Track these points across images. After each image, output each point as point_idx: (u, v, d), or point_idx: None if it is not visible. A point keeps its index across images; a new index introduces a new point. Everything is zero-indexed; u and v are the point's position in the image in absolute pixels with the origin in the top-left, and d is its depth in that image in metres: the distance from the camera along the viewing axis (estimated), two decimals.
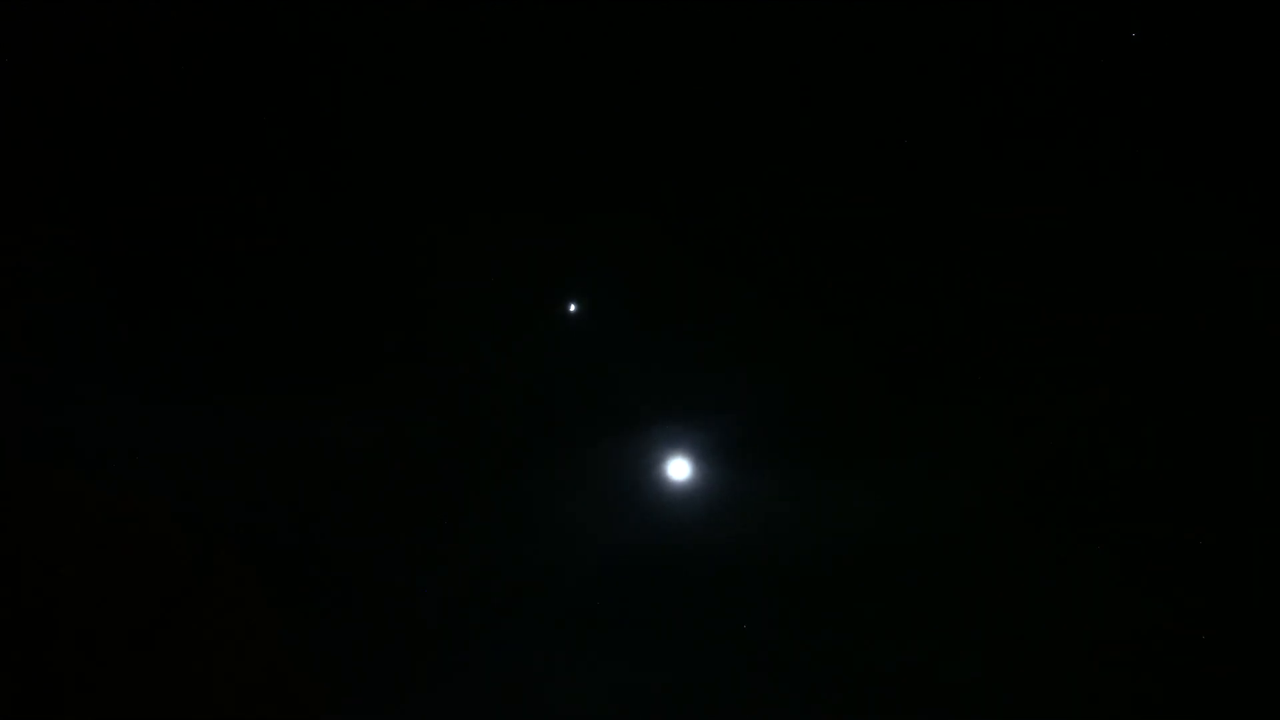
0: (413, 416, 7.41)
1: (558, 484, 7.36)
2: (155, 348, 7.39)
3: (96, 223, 7.38)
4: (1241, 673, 6.78)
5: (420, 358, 7.48)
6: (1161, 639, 6.86)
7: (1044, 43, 7.02)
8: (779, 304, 7.37)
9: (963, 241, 7.22)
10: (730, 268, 7.37)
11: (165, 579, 7.29)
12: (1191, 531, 6.95)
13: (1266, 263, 6.84)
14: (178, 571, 7.31)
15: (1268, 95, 6.89)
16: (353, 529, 7.41)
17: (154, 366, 7.38)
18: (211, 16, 7.25)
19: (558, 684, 7.23)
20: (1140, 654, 6.88)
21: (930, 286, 7.27)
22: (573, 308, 7.30)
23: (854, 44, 7.21)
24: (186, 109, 7.39)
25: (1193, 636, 6.84)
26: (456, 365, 7.47)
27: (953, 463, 7.21)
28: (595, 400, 7.40)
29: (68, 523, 7.31)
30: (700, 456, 7.31)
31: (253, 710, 7.04)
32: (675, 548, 7.30)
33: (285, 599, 7.32)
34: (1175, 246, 6.98)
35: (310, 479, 7.36)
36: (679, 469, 7.33)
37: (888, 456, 7.30)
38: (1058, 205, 7.12)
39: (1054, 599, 7.07)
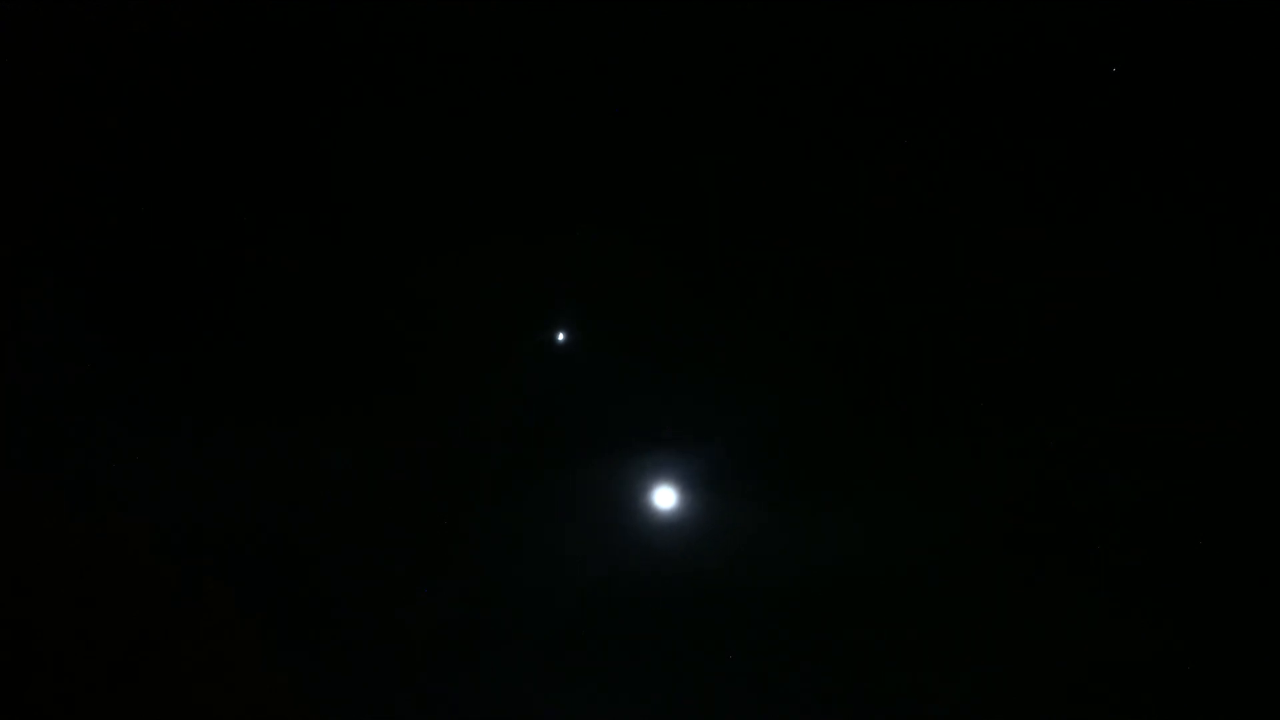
0: (398, 443, 7.40)
1: (544, 512, 7.36)
2: (141, 371, 7.38)
3: (85, 247, 7.38)
4: (1226, 703, 6.78)
5: (406, 385, 7.47)
6: (1147, 670, 6.87)
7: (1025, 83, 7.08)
8: (767, 334, 7.38)
9: (950, 273, 7.24)
10: (718, 298, 7.38)
11: (147, 605, 7.26)
12: (1177, 561, 6.96)
13: (1250, 294, 6.89)
14: (160, 597, 7.28)
15: (1252, 127, 6.94)
16: (337, 556, 7.39)
17: (140, 390, 7.37)
18: (193, 58, 7.27)
19: (544, 711, 7.19)
20: (1125, 685, 6.89)
21: (919, 315, 7.29)
22: (561, 336, 7.31)
23: (846, 68, 7.25)
24: (167, 141, 7.39)
25: (1179, 667, 6.85)
26: (442, 393, 7.47)
27: (941, 491, 7.22)
28: (581, 428, 7.40)
29: (47, 546, 7.28)
30: (687, 485, 7.31)
31: None
32: (662, 575, 7.29)
33: (270, 625, 7.30)
34: (1155, 277, 7.02)
35: (294, 505, 7.35)
36: (665, 497, 7.33)
37: (875, 485, 7.30)
38: (1042, 240, 7.15)
39: (1040, 629, 7.05)
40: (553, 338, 7.31)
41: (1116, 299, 7.09)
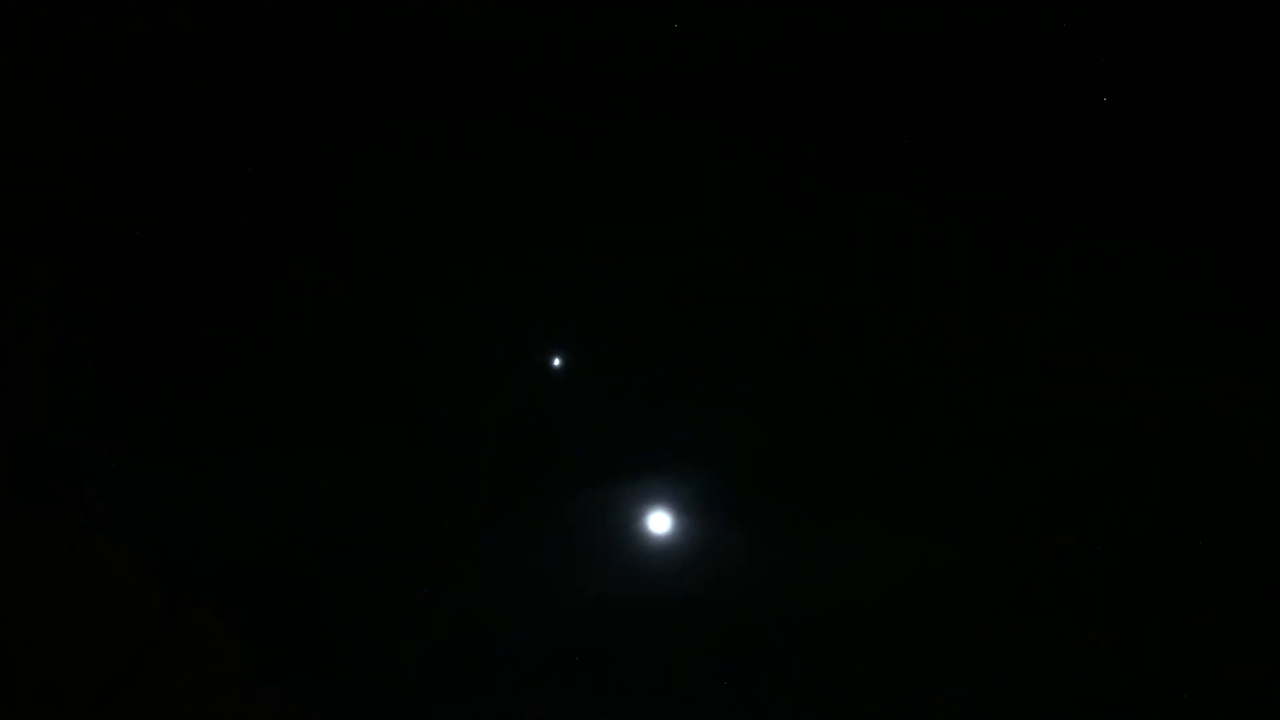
0: (395, 471, 7.40)
1: (540, 537, 7.37)
2: (143, 396, 7.38)
3: (84, 281, 7.37)
4: None
5: (403, 413, 7.48)
6: (1138, 698, 6.92)
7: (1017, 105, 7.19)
8: (761, 363, 7.44)
9: (942, 302, 7.33)
10: (713, 326, 7.45)
11: (136, 631, 7.20)
12: (1166, 587, 7.03)
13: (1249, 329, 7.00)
14: (149, 623, 7.22)
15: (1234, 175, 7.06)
16: (333, 582, 7.36)
17: (144, 415, 7.37)
18: (184, 93, 7.31)
19: None
20: (1116, 712, 6.93)
21: (913, 346, 7.36)
22: (556, 362, 7.34)
23: (840, 92, 7.32)
24: (171, 174, 7.42)
25: (1173, 695, 6.90)
26: (439, 420, 7.48)
27: (931, 519, 7.27)
28: (577, 453, 7.43)
29: (39, 572, 7.22)
30: (681, 510, 7.34)
31: None
32: (656, 601, 7.30)
33: (266, 649, 7.26)
34: (1145, 316, 7.13)
35: (291, 532, 7.33)
36: (660, 522, 7.36)
37: (866, 512, 7.35)
38: (1035, 273, 7.26)
39: (1029, 655, 7.10)
40: (549, 363, 7.35)
41: (1109, 333, 7.20)
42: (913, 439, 7.38)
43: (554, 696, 7.20)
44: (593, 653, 7.32)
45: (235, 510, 7.29)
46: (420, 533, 7.39)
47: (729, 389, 7.41)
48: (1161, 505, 7.09)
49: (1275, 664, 6.81)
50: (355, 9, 7.24)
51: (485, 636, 7.41)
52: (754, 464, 7.41)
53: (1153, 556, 7.08)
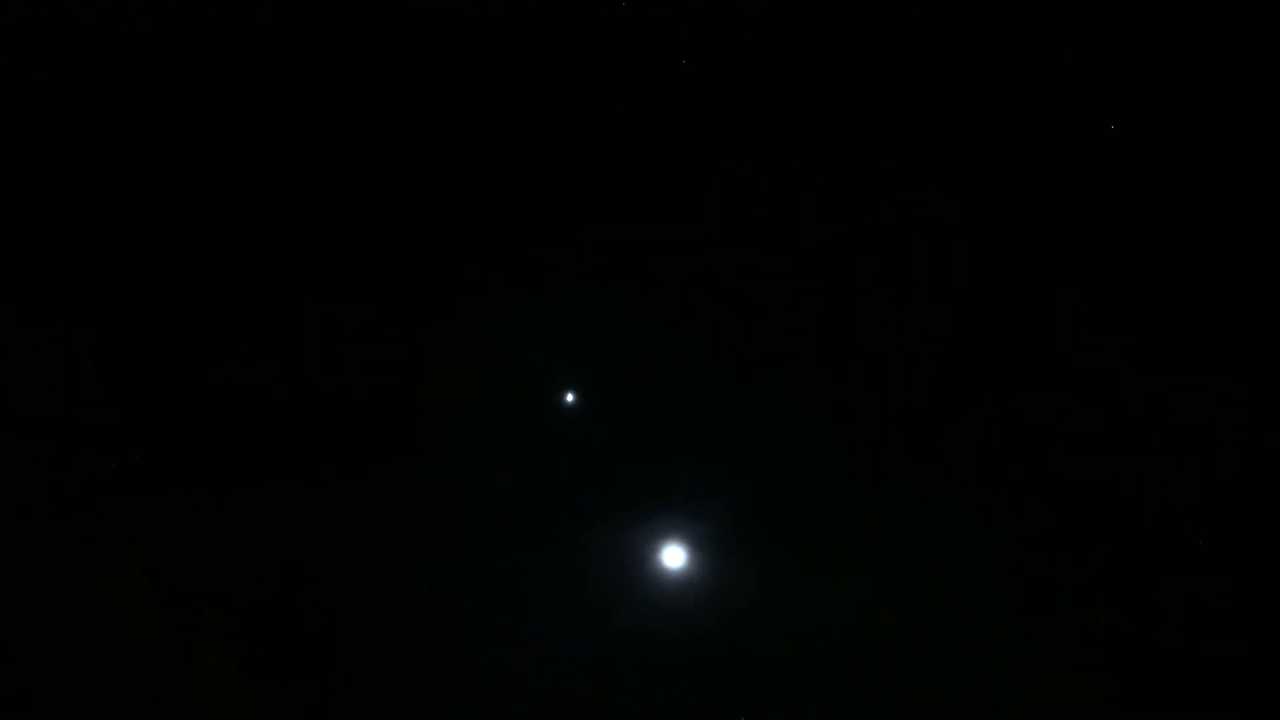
0: (405, 507, 7.35)
1: (552, 574, 7.34)
2: (149, 434, 7.31)
3: (91, 311, 7.29)
4: None
5: (413, 449, 7.43)
6: None
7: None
8: (774, 399, 7.43)
9: (947, 337, 7.33)
10: (726, 362, 7.43)
11: (142, 663, 7.17)
12: (1172, 621, 7.06)
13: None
14: (155, 656, 7.19)
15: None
16: (345, 620, 7.32)
17: (149, 452, 7.31)
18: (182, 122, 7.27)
19: None
20: None
21: (923, 380, 7.36)
22: (570, 398, 7.31)
23: (843, 127, 7.33)
24: (173, 206, 7.36)
25: None
26: (449, 457, 7.44)
27: (946, 553, 7.28)
28: (589, 490, 7.40)
29: (43, 598, 7.19)
30: (695, 545, 7.33)
31: None
32: (671, 636, 7.29)
33: (273, 691, 7.21)
34: (1157, 351, 7.15)
35: (301, 570, 7.28)
36: (674, 557, 7.33)
37: (880, 547, 7.35)
38: (1037, 307, 7.26)
39: (1038, 691, 7.13)
40: (562, 401, 7.32)
41: (1121, 365, 7.21)
42: (925, 475, 7.38)
43: None
44: (608, 688, 7.30)
45: (243, 546, 7.24)
46: (430, 570, 7.35)
47: (744, 425, 7.39)
48: (1173, 539, 7.13)
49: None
50: (364, 42, 7.19)
51: (500, 675, 7.37)
52: (768, 498, 7.40)
53: (1165, 590, 7.11)
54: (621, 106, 7.26)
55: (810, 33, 7.09)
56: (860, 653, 7.23)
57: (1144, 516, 7.18)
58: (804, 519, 7.44)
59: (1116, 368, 7.18)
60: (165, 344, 7.36)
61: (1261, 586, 6.96)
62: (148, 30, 7.19)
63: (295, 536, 7.24)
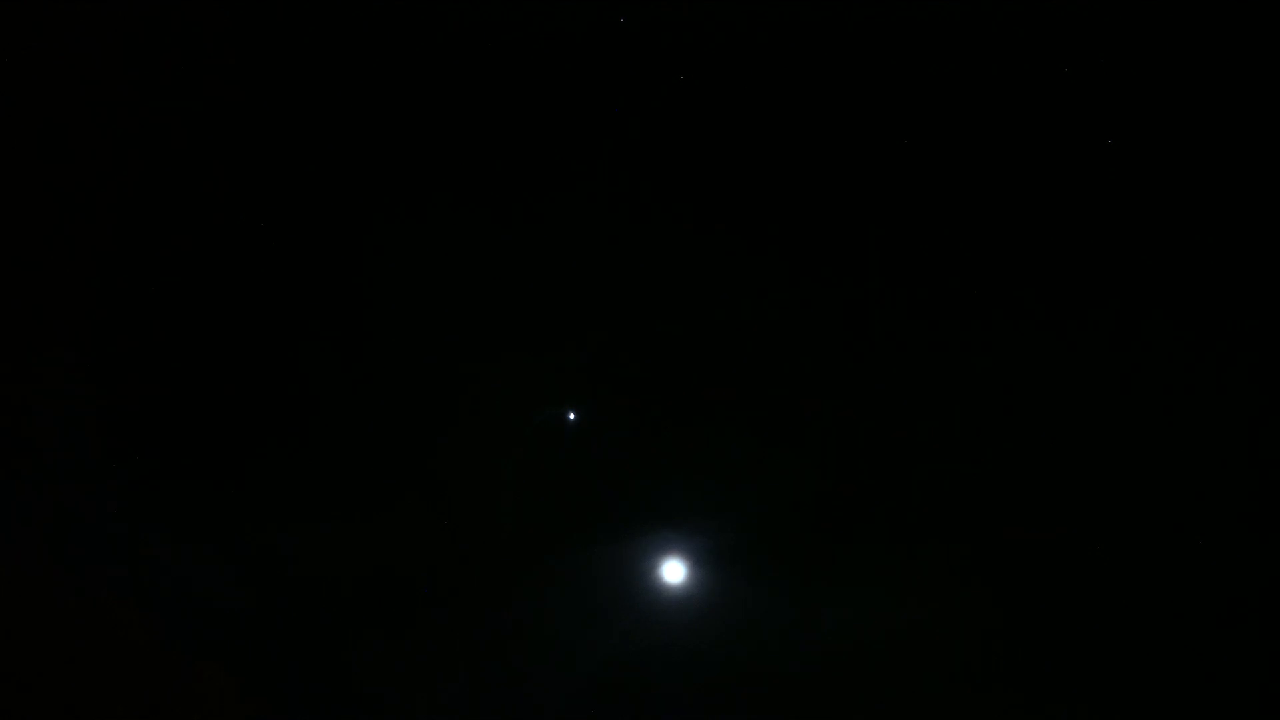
0: (406, 529, 7.36)
1: (553, 589, 7.35)
2: (158, 468, 7.33)
3: (103, 343, 7.33)
4: None
5: (417, 467, 7.45)
6: None
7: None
8: (774, 416, 7.43)
9: (947, 367, 7.35)
10: (726, 380, 7.42)
11: (146, 693, 7.18)
12: (1168, 656, 7.08)
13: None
14: (160, 686, 7.20)
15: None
16: (348, 637, 7.34)
17: (158, 486, 7.33)
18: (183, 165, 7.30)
19: None
20: None
21: (927, 399, 7.38)
22: (571, 416, 7.31)
23: (846, 151, 7.32)
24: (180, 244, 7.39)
25: None
26: (452, 474, 7.45)
27: (945, 571, 7.30)
28: (591, 507, 7.41)
29: (43, 629, 7.20)
30: (698, 563, 7.33)
31: None
32: (672, 651, 7.32)
33: (273, 711, 7.22)
34: (1150, 388, 7.14)
35: (302, 595, 7.29)
36: (674, 572, 7.33)
37: (880, 564, 7.37)
38: (1034, 345, 7.27)
39: (1030, 710, 7.16)
40: (564, 416, 7.32)
41: (1112, 406, 7.20)
42: (923, 499, 7.40)
43: None
44: (607, 708, 7.29)
45: (247, 573, 7.28)
46: (435, 592, 7.36)
47: (746, 443, 7.40)
48: (1163, 573, 7.15)
49: None
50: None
51: (499, 687, 7.38)
52: (771, 516, 7.39)
53: (1154, 623, 7.12)
54: (622, 108, 7.24)
55: (804, 48, 7.10)
56: (860, 668, 7.27)
57: (1138, 551, 7.18)
58: (804, 535, 7.44)
59: (1107, 409, 7.20)
60: (169, 356, 7.36)
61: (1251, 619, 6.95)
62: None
63: (298, 554, 7.26)
